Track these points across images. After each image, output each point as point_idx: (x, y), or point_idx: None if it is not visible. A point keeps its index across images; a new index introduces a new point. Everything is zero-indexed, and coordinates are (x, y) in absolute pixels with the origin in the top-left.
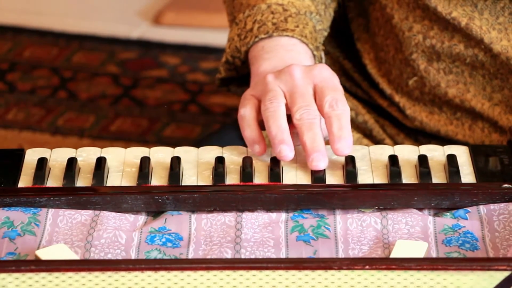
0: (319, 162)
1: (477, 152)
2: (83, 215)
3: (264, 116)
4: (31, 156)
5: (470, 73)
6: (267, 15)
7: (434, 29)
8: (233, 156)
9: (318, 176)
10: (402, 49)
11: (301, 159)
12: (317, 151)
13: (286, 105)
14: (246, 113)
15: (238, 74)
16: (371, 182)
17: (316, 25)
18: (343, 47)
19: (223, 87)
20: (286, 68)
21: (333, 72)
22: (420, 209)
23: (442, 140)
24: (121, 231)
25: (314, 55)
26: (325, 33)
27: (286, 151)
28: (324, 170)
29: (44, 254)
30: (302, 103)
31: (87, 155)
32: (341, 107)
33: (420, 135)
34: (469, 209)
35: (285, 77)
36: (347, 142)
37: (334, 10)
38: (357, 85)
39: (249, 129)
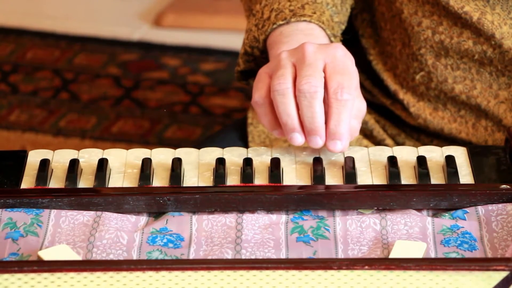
0: (317, 144)
1: (475, 153)
2: (85, 216)
3: (272, 98)
4: (34, 157)
5: (477, 70)
6: (284, 3)
7: (443, 25)
8: (233, 157)
9: (317, 177)
10: (410, 43)
11: (300, 159)
12: (315, 134)
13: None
14: (261, 100)
15: (257, 66)
16: (370, 183)
17: (333, 16)
18: (345, 46)
19: (242, 81)
20: (300, 45)
21: (347, 53)
22: (419, 210)
23: (445, 139)
24: (122, 232)
25: (331, 42)
26: (343, 27)
27: (298, 138)
28: (324, 171)
29: (47, 254)
30: (307, 72)
31: (89, 157)
32: (345, 95)
33: (422, 135)
34: (467, 209)
35: (297, 52)
36: (340, 140)
37: (351, 7)
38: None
39: (266, 117)
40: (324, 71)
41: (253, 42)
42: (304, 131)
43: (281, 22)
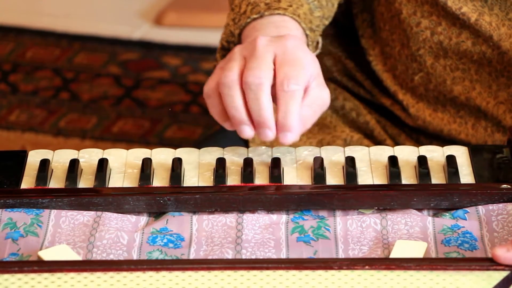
0: (267, 136)
1: (476, 153)
2: (85, 216)
3: (220, 91)
4: (34, 157)
5: (476, 70)
6: None
7: (442, 25)
8: (234, 157)
9: (318, 176)
10: (409, 44)
11: (301, 159)
12: (263, 126)
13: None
14: (209, 92)
15: None
16: (371, 183)
17: (313, 11)
18: (346, 46)
19: None
20: (253, 39)
21: (299, 44)
22: (420, 210)
23: (444, 140)
24: (123, 232)
25: (307, 35)
26: (326, 22)
27: (246, 131)
28: (324, 170)
29: (47, 255)
30: (253, 64)
31: (89, 157)
32: (291, 86)
33: (421, 136)
34: (468, 209)
35: (250, 45)
36: (290, 132)
37: (339, 3)
38: (359, 85)
39: (215, 109)
40: (274, 62)
41: (229, 36)
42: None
43: (255, 16)
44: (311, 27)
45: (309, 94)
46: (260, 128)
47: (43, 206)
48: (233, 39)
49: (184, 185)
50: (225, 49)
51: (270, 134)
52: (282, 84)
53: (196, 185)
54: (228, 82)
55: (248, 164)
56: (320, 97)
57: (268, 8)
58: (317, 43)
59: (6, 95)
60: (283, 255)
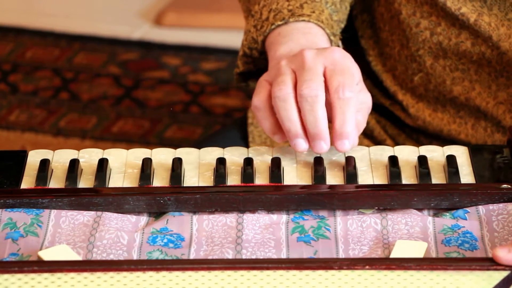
0: (322, 148)
1: (477, 153)
2: (85, 216)
3: (274, 104)
4: (34, 157)
5: (476, 71)
6: (282, 3)
7: (441, 26)
8: (234, 157)
9: (318, 176)
10: (408, 45)
11: (301, 159)
12: (319, 138)
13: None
14: (261, 105)
15: (256, 68)
16: (371, 183)
17: (332, 15)
18: (345, 46)
19: (241, 83)
20: (298, 52)
21: (346, 54)
22: (420, 210)
23: (444, 140)
24: (123, 232)
25: (331, 40)
26: (342, 25)
27: (302, 144)
28: (325, 170)
29: (47, 255)
30: (306, 76)
31: (89, 157)
32: (347, 93)
33: (421, 136)
34: (468, 209)
35: (296, 58)
36: (347, 139)
37: (350, 5)
38: None
39: (266, 121)
40: (324, 75)
41: (252, 43)
42: (307, 137)
43: (279, 23)
44: (333, 32)
45: (358, 99)
46: (315, 140)
47: (43, 206)
48: (255, 46)
49: (184, 185)
50: (247, 55)
51: (325, 147)
52: (337, 91)
53: (196, 185)
54: (283, 95)
55: (248, 164)
56: (366, 101)
57: (292, 15)
58: (338, 46)
59: (6, 95)
60: (283, 255)
